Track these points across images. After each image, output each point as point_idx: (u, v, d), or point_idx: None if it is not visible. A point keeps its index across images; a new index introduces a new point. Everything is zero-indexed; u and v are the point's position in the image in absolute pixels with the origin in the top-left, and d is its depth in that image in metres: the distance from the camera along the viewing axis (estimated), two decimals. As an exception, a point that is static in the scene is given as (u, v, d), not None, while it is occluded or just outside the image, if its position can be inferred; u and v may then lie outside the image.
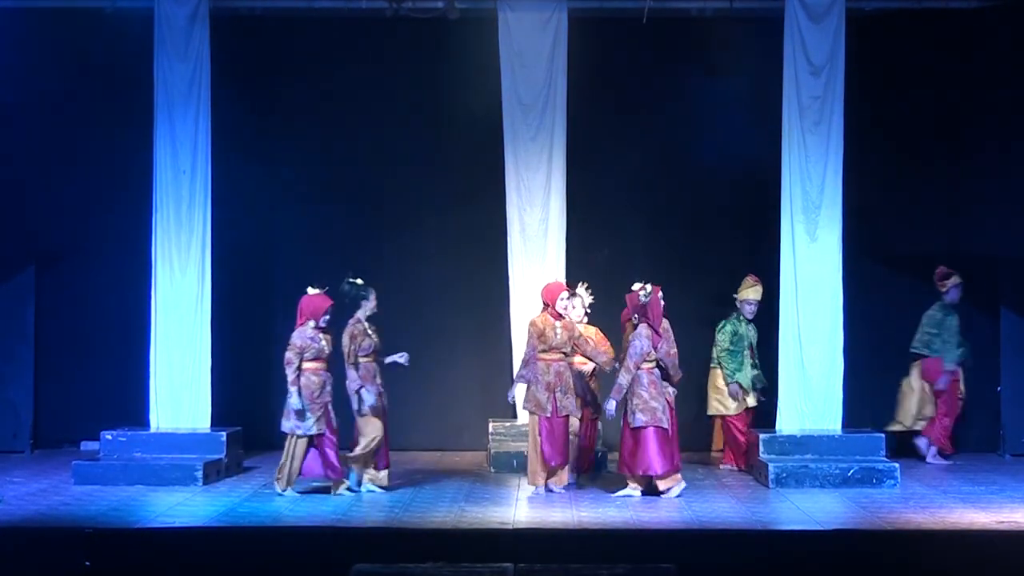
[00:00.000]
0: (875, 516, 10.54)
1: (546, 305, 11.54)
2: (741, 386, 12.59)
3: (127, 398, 13.14)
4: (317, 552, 9.41)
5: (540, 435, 11.39)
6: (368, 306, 11.50)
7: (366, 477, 11.54)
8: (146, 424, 12.62)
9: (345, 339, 11.42)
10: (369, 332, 11.49)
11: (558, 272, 12.90)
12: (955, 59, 13.68)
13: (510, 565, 8.86)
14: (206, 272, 12.70)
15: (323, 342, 11.41)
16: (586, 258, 13.34)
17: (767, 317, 12.82)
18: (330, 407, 11.42)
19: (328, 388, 11.42)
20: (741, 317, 12.68)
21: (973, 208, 13.77)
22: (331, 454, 11.37)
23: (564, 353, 11.50)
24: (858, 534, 9.94)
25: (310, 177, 14.00)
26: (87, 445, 13.47)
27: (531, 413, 11.47)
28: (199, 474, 11.80)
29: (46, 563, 9.37)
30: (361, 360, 11.47)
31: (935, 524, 10.24)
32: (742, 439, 12.57)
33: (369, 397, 11.37)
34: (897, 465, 11.89)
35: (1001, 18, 13.30)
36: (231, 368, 13.30)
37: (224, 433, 12.33)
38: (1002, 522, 10.23)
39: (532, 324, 11.52)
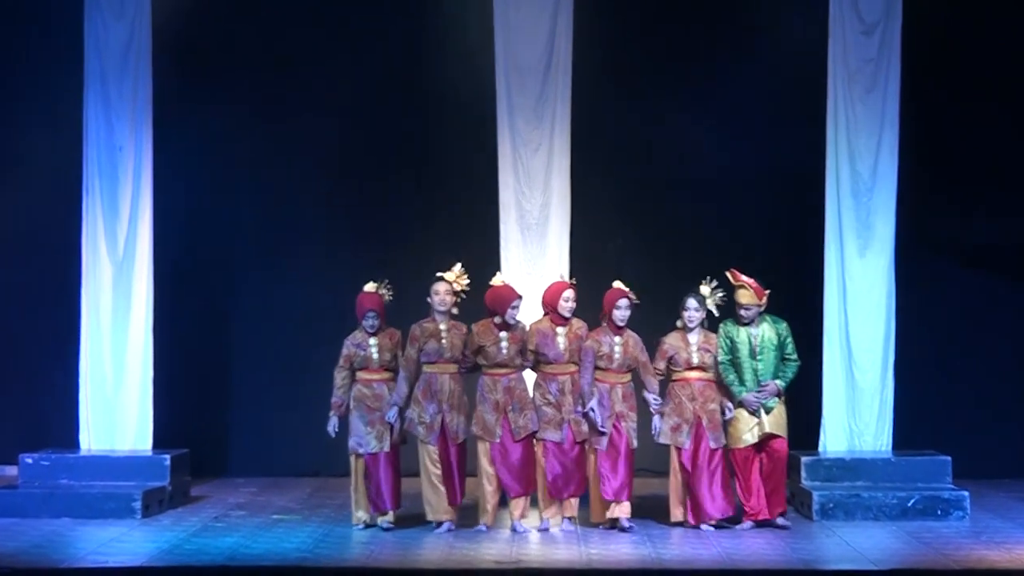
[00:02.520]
0: (940, 553, 10.46)
1: (493, 313, 11.32)
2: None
3: (52, 415, 13.14)
4: (278, 596, 9.35)
5: (493, 464, 11.25)
6: (434, 301, 11.29)
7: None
8: (75, 446, 12.56)
9: (407, 341, 11.31)
10: (440, 334, 11.25)
11: (561, 266, 12.71)
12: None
13: (506, 611, 8.79)
14: (147, 267, 12.60)
15: (372, 349, 11.30)
16: (593, 250, 13.25)
17: (809, 320, 12.64)
18: (395, 423, 11.31)
19: (387, 398, 11.29)
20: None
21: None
22: (381, 480, 11.23)
23: (516, 366, 11.34)
24: (920, 575, 9.86)
25: (270, 155, 13.92)
26: (2, 470, 13.37)
27: (479, 439, 11.31)
28: (138, 504, 11.72)
29: (-46, 609, 9.39)
30: (425, 369, 11.26)
31: (1012, 563, 10.13)
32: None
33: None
34: (967, 493, 11.80)
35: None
36: (177, 381, 13.26)
37: (168, 457, 12.25)
38: (1092, 561, 10.19)
39: (469, 333, 11.35)
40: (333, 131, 13.86)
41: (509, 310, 11.26)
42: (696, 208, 13.80)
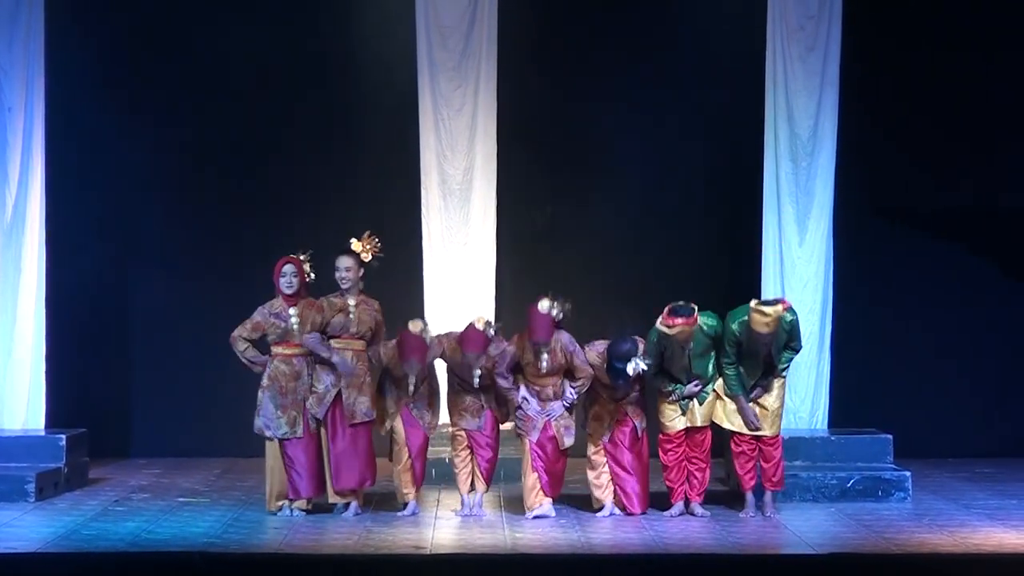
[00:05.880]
0: (881, 536, 10.49)
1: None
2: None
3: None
4: (182, 583, 9.27)
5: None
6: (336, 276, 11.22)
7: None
8: None
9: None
10: (348, 308, 11.13)
11: (486, 234, 12.71)
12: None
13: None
14: (38, 233, 12.52)
15: (293, 319, 11.12)
16: (522, 218, 13.25)
17: (746, 291, 12.60)
18: (309, 404, 11.19)
19: (305, 378, 11.15)
20: None
21: (1009, 149, 13.71)
22: (300, 468, 11.13)
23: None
24: (860, 559, 9.86)
25: (176, 116, 13.80)
26: None
27: None
28: (31, 487, 11.63)
29: None
30: (332, 344, 11.19)
31: (955, 546, 10.16)
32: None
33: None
34: (909, 473, 11.88)
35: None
36: (74, 355, 13.22)
37: (64, 436, 12.14)
38: (1037, 543, 10.26)
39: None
40: (243, 89, 13.72)
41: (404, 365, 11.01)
42: (632, 172, 13.74)
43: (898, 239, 13.84)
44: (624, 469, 11.18)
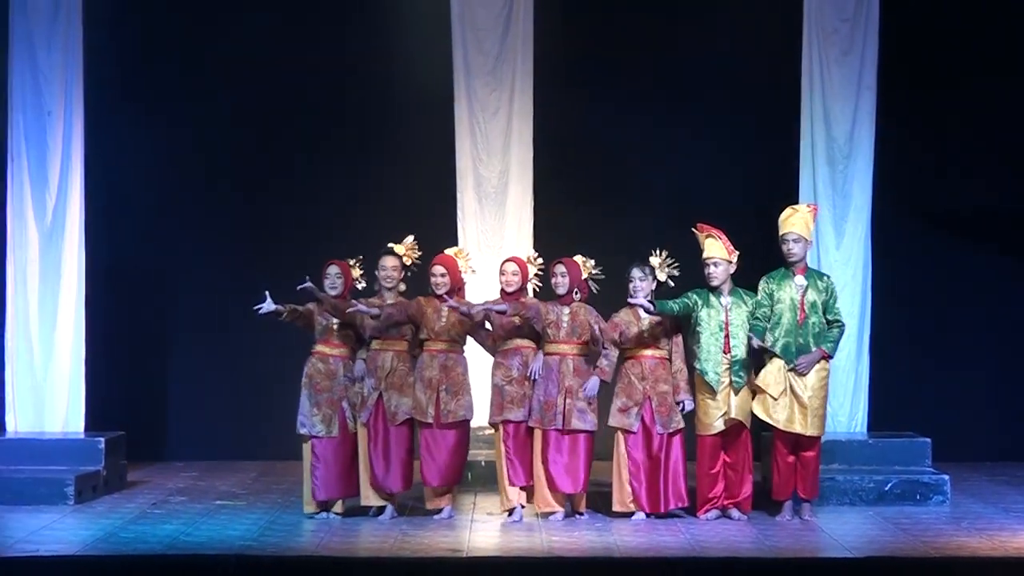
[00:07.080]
0: (919, 540, 10.48)
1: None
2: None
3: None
4: (219, 586, 9.28)
5: (420, 448, 11.22)
6: (380, 276, 11.24)
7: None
8: (0, 428, 12.53)
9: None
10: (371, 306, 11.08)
11: (522, 238, 12.72)
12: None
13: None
14: (77, 236, 12.53)
15: (332, 318, 11.17)
16: (556, 220, 13.21)
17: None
18: (347, 405, 11.21)
19: (340, 378, 11.19)
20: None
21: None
22: (326, 469, 11.13)
23: (455, 341, 11.25)
24: (898, 563, 9.84)
25: (212, 121, 13.83)
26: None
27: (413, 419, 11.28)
28: (71, 490, 11.67)
29: None
30: (372, 346, 11.23)
31: (994, 550, 10.15)
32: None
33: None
34: (947, 477, 11.85)
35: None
36: (111, 359, 13.23)
37: (102, 439, 12.17)
38: (1078, 548, 10.22)
39: (416, 302, 11.27)
40: (279, 94, 13.75)
41: (430, 277, 11.19)
42: (667, 175, 13.75)
43: (936, 242, 13.82)
44: (638, 467, 11.15)
